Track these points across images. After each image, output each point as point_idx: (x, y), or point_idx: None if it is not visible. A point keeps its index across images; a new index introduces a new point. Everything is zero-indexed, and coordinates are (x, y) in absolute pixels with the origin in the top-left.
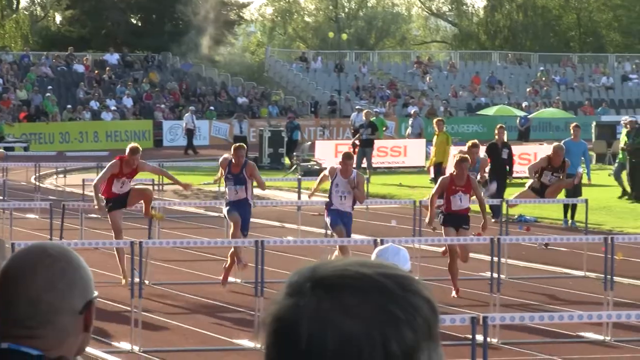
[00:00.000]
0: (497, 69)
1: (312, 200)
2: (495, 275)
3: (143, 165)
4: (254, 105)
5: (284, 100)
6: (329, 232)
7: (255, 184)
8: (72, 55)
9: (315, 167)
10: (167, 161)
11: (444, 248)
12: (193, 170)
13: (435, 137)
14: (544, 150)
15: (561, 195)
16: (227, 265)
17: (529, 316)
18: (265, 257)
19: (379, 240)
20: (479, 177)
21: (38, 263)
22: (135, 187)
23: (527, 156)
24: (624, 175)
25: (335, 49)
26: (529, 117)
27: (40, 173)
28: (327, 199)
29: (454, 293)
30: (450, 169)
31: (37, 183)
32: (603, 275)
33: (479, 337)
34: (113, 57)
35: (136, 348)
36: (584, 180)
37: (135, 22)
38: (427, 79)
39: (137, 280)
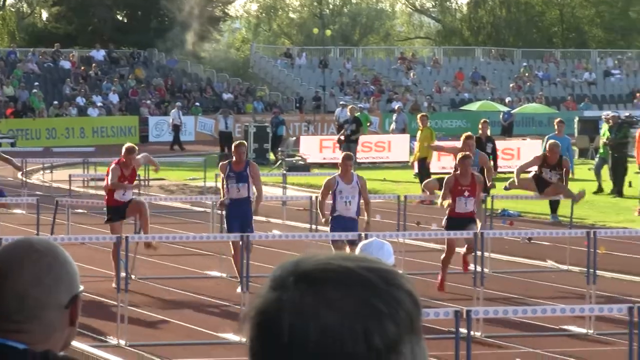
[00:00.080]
0: (480, 64)
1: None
2: (478, 269)
3: (136, 162)
4: (239, 101)
5: (269, 96)
6: (314, 226)
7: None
8: (58, 52)
9: (300, 162)
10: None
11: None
12: (179, 165)
13: (419, 132)
14: (527, 145)
15: None
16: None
17: (512, 310)
18: (250, 251)
19: (363, 234)
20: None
21: (25, 258)
22: (134, 198)
23: (511, 151)
24: (605, 170)
25: (320, 45)
26: (512, 112)
27: (27, 169)
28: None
29: (438, 283)
30: (434, 164)
31: (24, 179)
32: (586, 269)
33: (463, 331)
34: (99, 54)
35: (122, 342)
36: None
37: (121, 18)
38: (411, 74)
39: (123, 274)
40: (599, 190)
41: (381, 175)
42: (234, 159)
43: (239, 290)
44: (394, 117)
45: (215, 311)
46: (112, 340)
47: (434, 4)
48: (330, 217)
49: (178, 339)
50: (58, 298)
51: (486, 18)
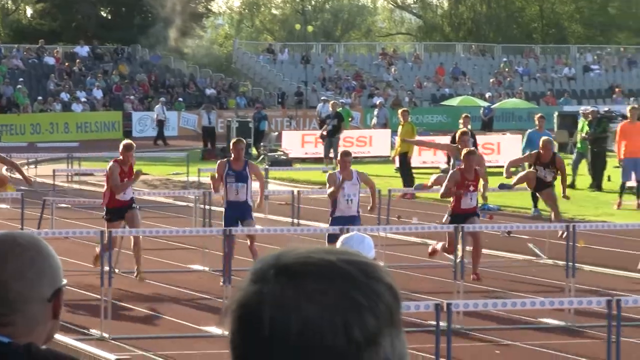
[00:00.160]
0: (461, 60)
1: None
2: (459, 262)
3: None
4: (222, 96)
5: (252, 91)
6: (295, 220)
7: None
8: (43, 48)
9: (282, 157)
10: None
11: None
12: (164, 160)
13: (401, 127)
14: (507, 140)
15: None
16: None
17: (492, 303)
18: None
19: (345, 228)
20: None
21: (8, 252)
22: (134, 214)
23: (491, 146)
24: (583, 164)
25: (302, 41)
26: (492, 107)
27: None
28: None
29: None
30: (415, 158)
31: (9, 174)
32: (565, 262)
33: (443, 324)
34: (83, 50)
35: (106, 335)
36: None
37: (105, 15)
38: (392, 70)
39: (106, 268)
40: (572, 185)
41: (362, 169)
42: (232, 156)
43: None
44: (376, 112)
45: (198, 304)
46: (96, 334)
47: (415, 0)
48: (330, 219)
49: (161, 332)
50: (41, 292)
51: (467, 14)
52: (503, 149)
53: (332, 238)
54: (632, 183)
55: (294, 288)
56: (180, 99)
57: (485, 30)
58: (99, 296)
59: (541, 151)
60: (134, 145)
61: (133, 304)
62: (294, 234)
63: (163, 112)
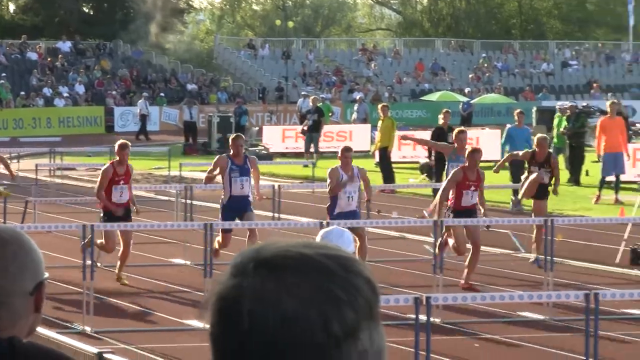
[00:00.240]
0: (440, 55)
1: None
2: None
3: (132, 171)
4: (203, 91)
5: (233, 86)
6: (276, 214)
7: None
8: (25, 43)
9: (263, 151)
10: None
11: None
12: (146, 155)
13: (380, 122)
14: (486, 134)
15: (507, 180)
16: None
17: (471, 296)
18: (213, 239)
19: (324, 222)
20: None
21: None
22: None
23: (470, 141)
24: (560, 159)
25: (283, 37)
26: (471, 102)
27: None
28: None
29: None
30: (395, 153)
31: None
32: (543, 256)
33: (422, 317)
34: (65, 45)
35: (88, 329)
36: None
37: (87, 10)
38: (372, 65)
39: (88, 262)
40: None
41: None
42: (231, 152)
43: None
44: (356, 107)
45: (180, 298)
46: (78, 327)
47: None
48: (328, 216)
49: (143, 325)
50: (23, 285)
51: (446, 10)
52: (482, 143)
53: None
54: (611, 178)
55: (273, 282)
56: (162, 94)
57: (464, 26)
58: (81, 290)
59: (536, 148)
60: (129, 143)
61: (115, 297)
62: (274, 228)
63: (146, 107)
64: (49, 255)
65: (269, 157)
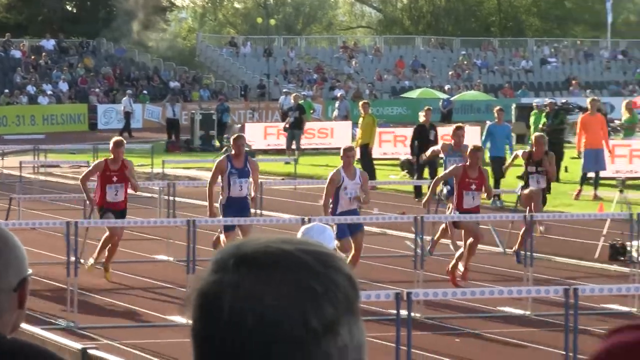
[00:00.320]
0: (420, 53)
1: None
2: (419, 252)
3: (130, 167)
4: (185, 89)
5: (215, 84)
6: (258, 211)
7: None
8: (9, 42)
9: (245, 148)
10: (102, 143)
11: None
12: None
13: (361, 119)
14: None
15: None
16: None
17: (451, 292)
18: (196, 235)
19: (306, 219)
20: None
21: None
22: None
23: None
24: None
25: (264, 35)
26: (451, 99)
27: None
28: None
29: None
30: (375, 150)
31: None
32: (523, 252)
33: (403, 313)
34: (49, 43)
35: (72, 325)
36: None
37: (70, 9)
38: (353, 63)
39: (72, 259)
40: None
41: (324, 161)
42: (232, 152)
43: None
44: (337, 105)
45: (163, 294)
46: (62, 323)
47: None
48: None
49: (127, 321)
50: (7, 282)
51: (426, 7)
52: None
53: (341, 236)
54: (591, 174)
55: (253, 277)
56: (145, 92)
57: (444, 23)
58: (65, 286)
59: (534, 147)
60: (124, 141)
61: (99, 294)
62: (256, 225)
63: (130, 105)
64: (33, 252)
65: (250, 154)
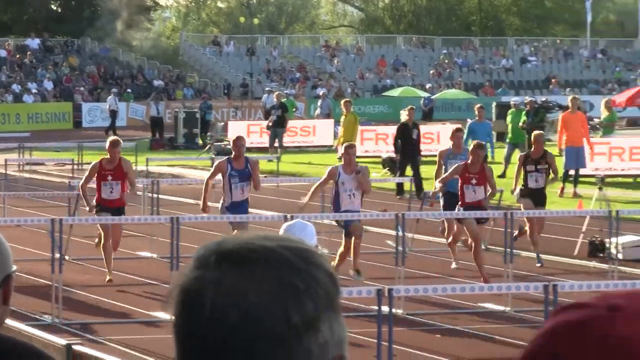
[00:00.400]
0: (401, 52)
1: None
2: (400, 248)
3: (127, 164)
4: (169, 87)
5: (198, 82)
6: None
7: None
8: None
9: (228, 146)
10: (86, 141)
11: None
12: None
13: (343, 117)
14: (447, 129)
15: None
16: None
17: (432, 288)
18: (180, 232)
19: (289, 216)
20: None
21: None
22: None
23: (431, 135)
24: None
25: (247, 34)
26: (432, 98)
27: None
28: (332, 204)
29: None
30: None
31: None
32: (503, 249)
33: (385, 309)
34: (34, 42)
35: (57, 321)
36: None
37: (55, 8)
38: (335, 62)
39: (57, 255)
40: (503, 175)
41: (307, 159)
42: (232, 154)
43: None
44: (319, 103)
45: (147, 291)
46: (47, 319)
47: None
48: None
49: (111, 317)
50: None
51: (407, 7)
52: (442, 138)
53: (347, 223)
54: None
55: (235, 274)
56: (129, 90)
57: (425, 22)
58: (50, 283)
59: (533, 145)
60: (121, 141)
61: (83, 290)
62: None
63: (115, 103)
64: (18, 249)
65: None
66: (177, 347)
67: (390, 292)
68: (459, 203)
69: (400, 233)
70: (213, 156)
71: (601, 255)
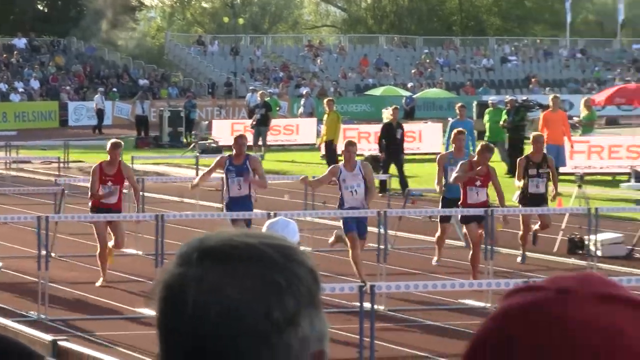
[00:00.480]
0: (384, 51)
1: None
2: (382, 246)
3: (127, 170)
4: (154, 86)
5: (183, 82)
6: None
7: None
8: None
9: (212, 145)
10: (72, 140)
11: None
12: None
13: (326, 116)
14: (428, 128)
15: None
16: None
17: (414, 285)
18: (165, 230)
19: (272, 213)
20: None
21: None
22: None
23: (413, 134)
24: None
25: (231, 34)
26: (414, 97)
27: None
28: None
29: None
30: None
31: None
32: (484, 246)
33: (367, 305)
34: (21, 42)
35: (43, 317)
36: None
37: (42, 8)
38: (318, 61)
39: (43, 252)
40: None
41: (290, 157)
42: (234, 152)
43: None
44: (302, 102)
45: (132, 287)
46: (33, 316)
47: None
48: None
49: (97, 314)
50: None
51: (389, 7)
52: (424, 137)
53: (349, 230)
54: None
55: (217, 271)
56: (115, 89)
57: (407, 23)
58: (36, 279)
59: (532, 147)
60: (122, 143)
61: (69, 286)
62: (223, 219)
63: (102, 102)
64: (5, 246)
65: (218, 150)
66: (160, 343)
67: (372, 289)
68: (460, 203)
69: (382, 230)
70: (197, 154)
71: (580, 252)
